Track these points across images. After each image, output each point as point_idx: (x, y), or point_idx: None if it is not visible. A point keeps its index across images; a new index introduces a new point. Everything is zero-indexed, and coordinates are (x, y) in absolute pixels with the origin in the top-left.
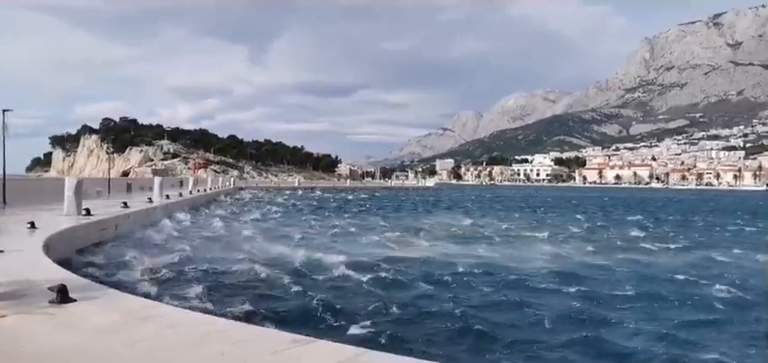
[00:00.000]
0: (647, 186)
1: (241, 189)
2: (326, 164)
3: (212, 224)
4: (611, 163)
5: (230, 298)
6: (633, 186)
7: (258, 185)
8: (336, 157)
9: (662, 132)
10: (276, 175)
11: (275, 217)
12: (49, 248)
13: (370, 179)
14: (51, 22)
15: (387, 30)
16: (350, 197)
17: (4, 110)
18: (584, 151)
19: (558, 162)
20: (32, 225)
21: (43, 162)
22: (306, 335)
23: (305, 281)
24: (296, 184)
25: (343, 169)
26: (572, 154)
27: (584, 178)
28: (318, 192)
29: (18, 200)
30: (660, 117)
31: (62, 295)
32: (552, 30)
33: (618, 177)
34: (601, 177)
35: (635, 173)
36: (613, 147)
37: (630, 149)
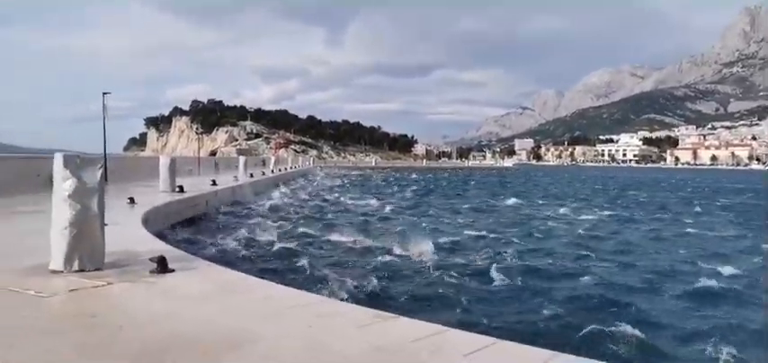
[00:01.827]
0: (747, 168)
1: (320, 168)
2: (403, 144)
3: (295, 198)
4: (706, 143)
5: (319, 271)
6: (730, 168)
7: (336, 164)
8: (412, 137)
9: (763, 110)
10: (353, 155)
11: (351, 193)
12: (147, 222)
13: (446, 159)
14: (144, 10)
15: (464, 9)
16: (414, 176)
17: (104, 93)
18: (676, 130)
19: (647, 141)
20: (132, 200)
21: (139, 141)
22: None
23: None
24: (373, 164)
25: (419, 149)
26: (662, 134)
27: (677, 159)
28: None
29: (117, 178)
30: (762, 93)
31: (162, 265)
32: (640, 1)
33: (714, 158)
34: (695, 158)
35: (733, 154)
36: (709, 126)
37: (728, 128)
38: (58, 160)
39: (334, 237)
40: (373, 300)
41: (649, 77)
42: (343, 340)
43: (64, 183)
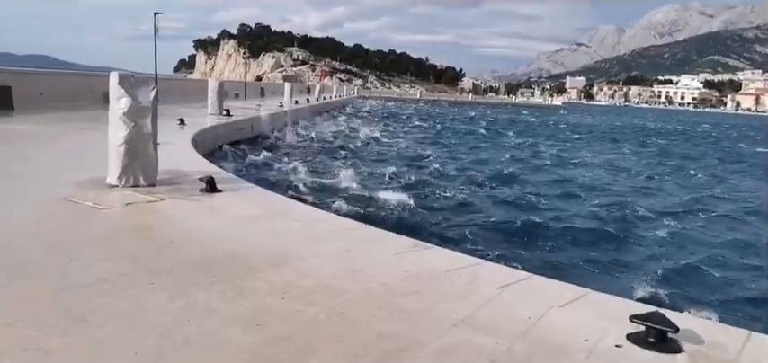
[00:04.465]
0: None
1: (365, 98)
2: (449, 78)
3: (336, 128)
4: None
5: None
6: None
7: (381, 95)
8: (460, 70)
9: None
10: (399, 87)
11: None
12: (196, 143)
13: (493, 94)
14: None
15: None
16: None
17: (155, 13)
18: (741, 74)
19: (709, 85)
20: (182, 121)
21: (188, 64)
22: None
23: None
24: (418, 96)
25: (466, 83)
26: (726, 77)
27: (737, 104)
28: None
29: (167, 99)
30: None
31: (210, 185)
32: None
33: None
34: (757, 104)
35: None
36: None
37: None
38: (113, 78)
39: None
40: None
41: (719, 16)
42: (380, 265)
43: (119, 101)
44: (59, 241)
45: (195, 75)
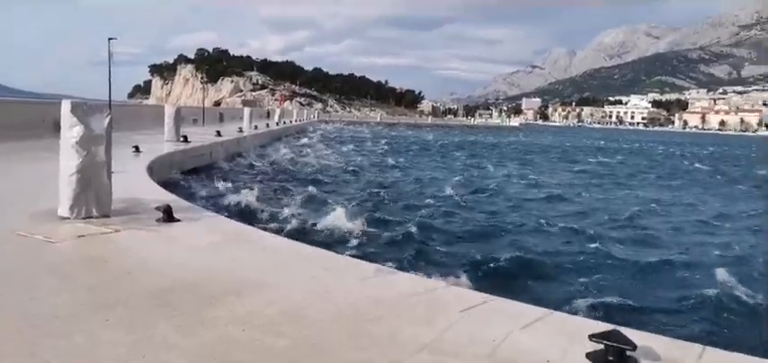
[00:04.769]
0: (755, 134)
1: (325, 122)
2: (409, 101)
3: (298, 152)
4: (716, 108)
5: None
6: (739, 133)
7: (341, 119)
8: (419, 93)
9: None
10: (359, 110)
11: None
12: (152, 170)
13: (451, 116)
14: None
15: None
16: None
17: (109, 39)
18: (687, 93)
19: (657, 104)
20: (137, 149)
21: (143, 89)
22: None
23: None
24: (378, 119)
25: (425, 105)
26: (673, 97)
27: (685, 122)
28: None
29: (122, 125)
30: None
31: (167, 214)
32: None
33: (722, 123)
34: (703, 122)
35: (742, 120)
36: (721, 91)
37: (740, 93)
38: (65, 106)
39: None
40: None
41: (665, 38)
42: (344, 291)
43: (71, 130)
44: (7, 277)
45: (151, 101)
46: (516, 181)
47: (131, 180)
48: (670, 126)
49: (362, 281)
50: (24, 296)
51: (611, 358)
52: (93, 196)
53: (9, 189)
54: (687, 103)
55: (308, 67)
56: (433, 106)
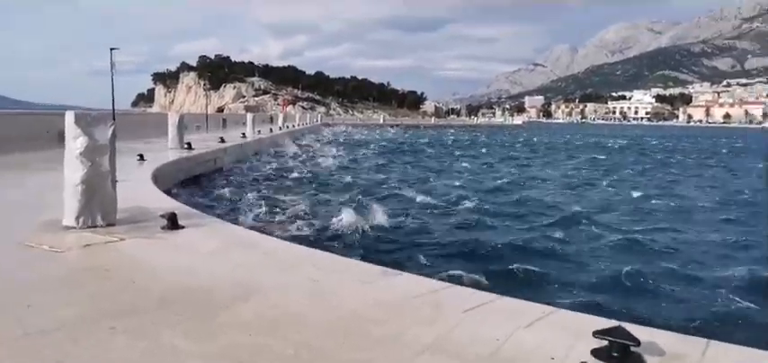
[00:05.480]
0: (760, 126)
1: (328, 125)
2: (411, 102)
3: (301, 158)
4: (720, 101)
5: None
6: (743, 126)
7: (344, 122)
8: (422, 94)
9: None
10: (362, 112)
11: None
12: (156, 178)
13: (454, 116)
14: None
15: None
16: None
17: (111, 49)
18: (690, 87)
19: (660, 99)
20: (141, 157)
21: (146, 97)
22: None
23: None
24: (381, 121)
25: (427, 106)
26: (676, 91)
27: (689, 116)
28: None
29: (126, 134)
30: None
31: (172, 222)
32: None
33: (727, 116)
34: (708, 115)
35: (746, 112)
36: (724, 83)
37: (744, 85)
38: (69, 117)
39: None
40: None
41: (667, 32)
42: (348, 293)
43: (75, 141)
44: (15, 287)
45: (155, 109)
46: (521, 181)
47: (136, 188)
48: (674, 120)
49: (366, 283)
50: (32, 305)
51: (615, 355)
52: (98, 205)
53: (16, 199)
54: (691, 97)
55: (310, 71)
56: (435, 106)
